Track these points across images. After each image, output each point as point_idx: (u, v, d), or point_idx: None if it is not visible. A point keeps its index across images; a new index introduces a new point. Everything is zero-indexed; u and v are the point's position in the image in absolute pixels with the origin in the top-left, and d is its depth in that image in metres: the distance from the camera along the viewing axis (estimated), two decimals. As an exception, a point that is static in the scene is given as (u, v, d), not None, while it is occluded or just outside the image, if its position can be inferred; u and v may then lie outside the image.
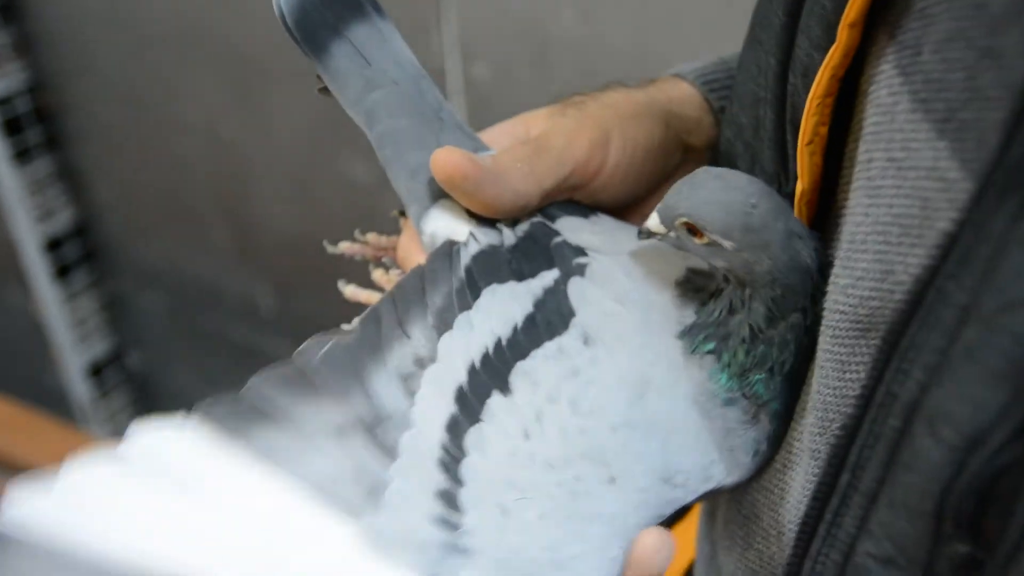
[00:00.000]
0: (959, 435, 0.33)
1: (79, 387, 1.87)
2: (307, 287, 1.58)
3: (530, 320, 0.42)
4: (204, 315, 1.77)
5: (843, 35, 0.39)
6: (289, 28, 0.47)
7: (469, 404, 0.39)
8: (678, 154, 0.52)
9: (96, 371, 1.90)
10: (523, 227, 0.47)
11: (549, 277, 0.44)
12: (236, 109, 1.50)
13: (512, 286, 0.43)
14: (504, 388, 0.40)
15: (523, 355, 0.41)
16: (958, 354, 0.33)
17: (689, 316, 0.44)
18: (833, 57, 0.40)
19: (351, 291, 0.54)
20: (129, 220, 1.78)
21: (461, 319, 0.42)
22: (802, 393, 0.43)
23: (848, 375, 0.38)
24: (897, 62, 0.37)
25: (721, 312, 0.43)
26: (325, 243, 0.54)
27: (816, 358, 0.41)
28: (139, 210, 1.75)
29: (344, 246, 0.54)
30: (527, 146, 0.48)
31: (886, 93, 0.37)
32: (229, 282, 1.70)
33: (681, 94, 0.54)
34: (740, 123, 0.49)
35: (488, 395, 0.39)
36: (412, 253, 0.49)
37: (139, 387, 1.98)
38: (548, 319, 0.42)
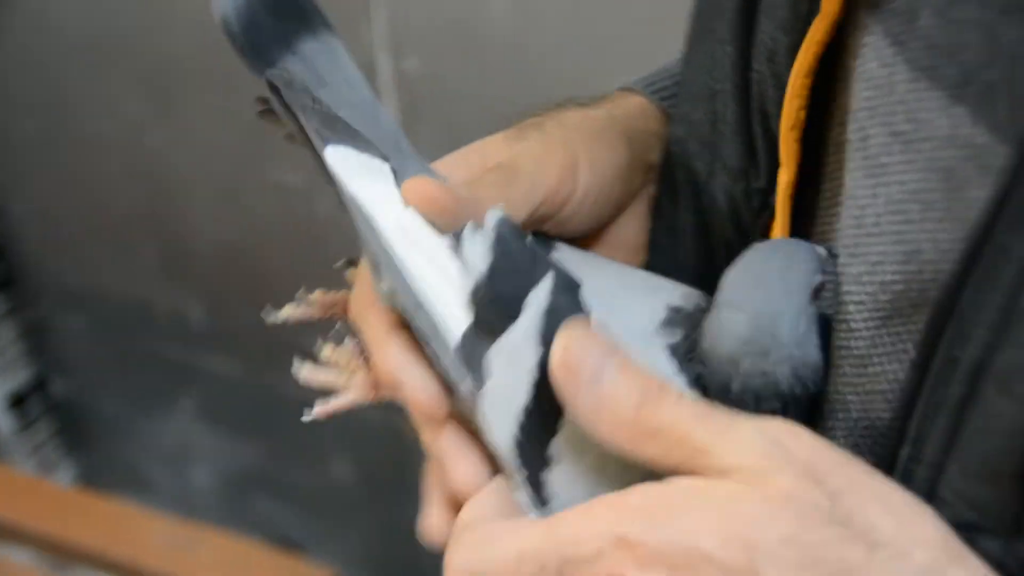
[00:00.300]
0: None
1: None
2: (239, 298, 1.55)
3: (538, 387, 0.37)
4: (132, 335, 1.72)
5: (828, 6, 0.37)
6: (236, 42, 0.43)
7: (535, 489, 0.38)
8: (641, 174, 0.49)
9: (17, 402, 1.84)
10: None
11: (541, 295, 0.38)
12: (159, 119, 1.47)
13: (504, 341, 0.38)
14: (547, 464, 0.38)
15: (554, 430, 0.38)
16: None
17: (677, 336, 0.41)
18: (818, 31, 0.37)
19: (308, 373, 0.48)
20: (48, 240, 1.72)
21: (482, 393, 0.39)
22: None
23: (870, 368, 0.36)
24: (886, 32, 0.35)
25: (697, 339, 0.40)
26: (263, 313, 0.49)
27: (832, 358, 0.38)
28: (58, 229, 1.70)
29: (287, 311, 0.48)
30: (496, 172, 0.43)
31: (877, 65, 0.35)
32: (157, 298, 1.65)
33: (637, 107, 0.51)
34: (692, 120, 0.46)
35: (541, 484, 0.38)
36: (366, 308, 0.43)
37: (65, 416, 1.91)
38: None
